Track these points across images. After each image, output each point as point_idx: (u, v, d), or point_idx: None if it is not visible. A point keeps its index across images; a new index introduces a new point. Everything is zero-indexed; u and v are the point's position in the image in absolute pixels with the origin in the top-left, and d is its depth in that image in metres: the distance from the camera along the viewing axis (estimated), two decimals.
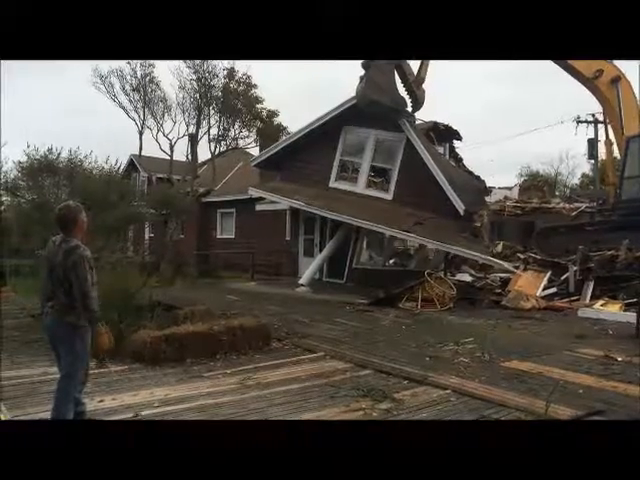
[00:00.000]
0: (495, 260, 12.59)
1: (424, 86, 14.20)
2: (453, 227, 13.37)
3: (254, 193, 16.30)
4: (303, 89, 64.97)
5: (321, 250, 16.59)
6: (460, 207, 13.18)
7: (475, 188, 15.61)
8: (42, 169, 10.17)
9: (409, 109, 14.17)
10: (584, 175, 40.73)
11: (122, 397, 5.05)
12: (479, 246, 12.80)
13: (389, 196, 14.88)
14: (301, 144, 15.56)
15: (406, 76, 13.88)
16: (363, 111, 13.74)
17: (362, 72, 13.51)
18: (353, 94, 13.86)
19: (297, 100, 58.76)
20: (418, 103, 14.18)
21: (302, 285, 14.34)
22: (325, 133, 15.15)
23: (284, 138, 16.45)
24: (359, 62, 13.46)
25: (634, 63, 14.61)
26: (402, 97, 13.97)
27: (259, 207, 19.24)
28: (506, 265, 12.66)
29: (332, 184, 15.32)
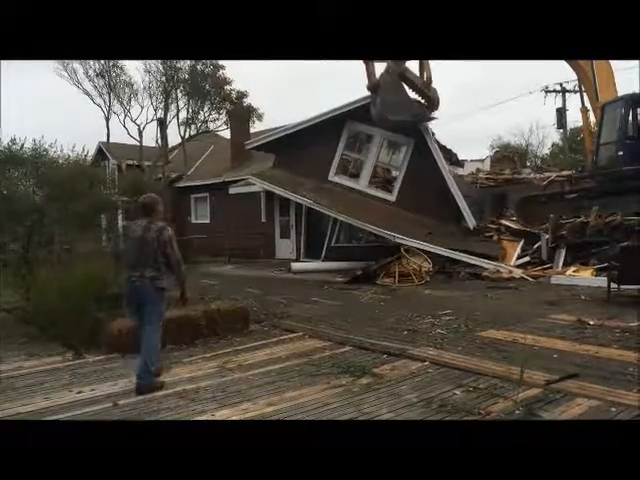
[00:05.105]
0: (508, 267, 11.77)
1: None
2: (459, 233, 13.60)
3: (257, 184, 15.88)
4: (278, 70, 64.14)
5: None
6: (472, 222, 13.41)
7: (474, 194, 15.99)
8: (6, 160, 9.89)
9: (428, 113, 14.11)
10: (554, 145, 41.18)
11: (101, 387, 5.01)
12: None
13: (392, 197, 14.79)
14: (302, 132, 15.17)
15: (413, 82, 13.66)
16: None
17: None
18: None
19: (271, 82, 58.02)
20: (434, 104, 14.05)
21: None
22: (327, 124, 14.82)
23: (287, 125, 15.89)
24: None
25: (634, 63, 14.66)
26: (419, 106, 13.89)
27: (233, 190, 19.04)
28: (519, 272, 11.48)
29: (331, 177, 15.10)
